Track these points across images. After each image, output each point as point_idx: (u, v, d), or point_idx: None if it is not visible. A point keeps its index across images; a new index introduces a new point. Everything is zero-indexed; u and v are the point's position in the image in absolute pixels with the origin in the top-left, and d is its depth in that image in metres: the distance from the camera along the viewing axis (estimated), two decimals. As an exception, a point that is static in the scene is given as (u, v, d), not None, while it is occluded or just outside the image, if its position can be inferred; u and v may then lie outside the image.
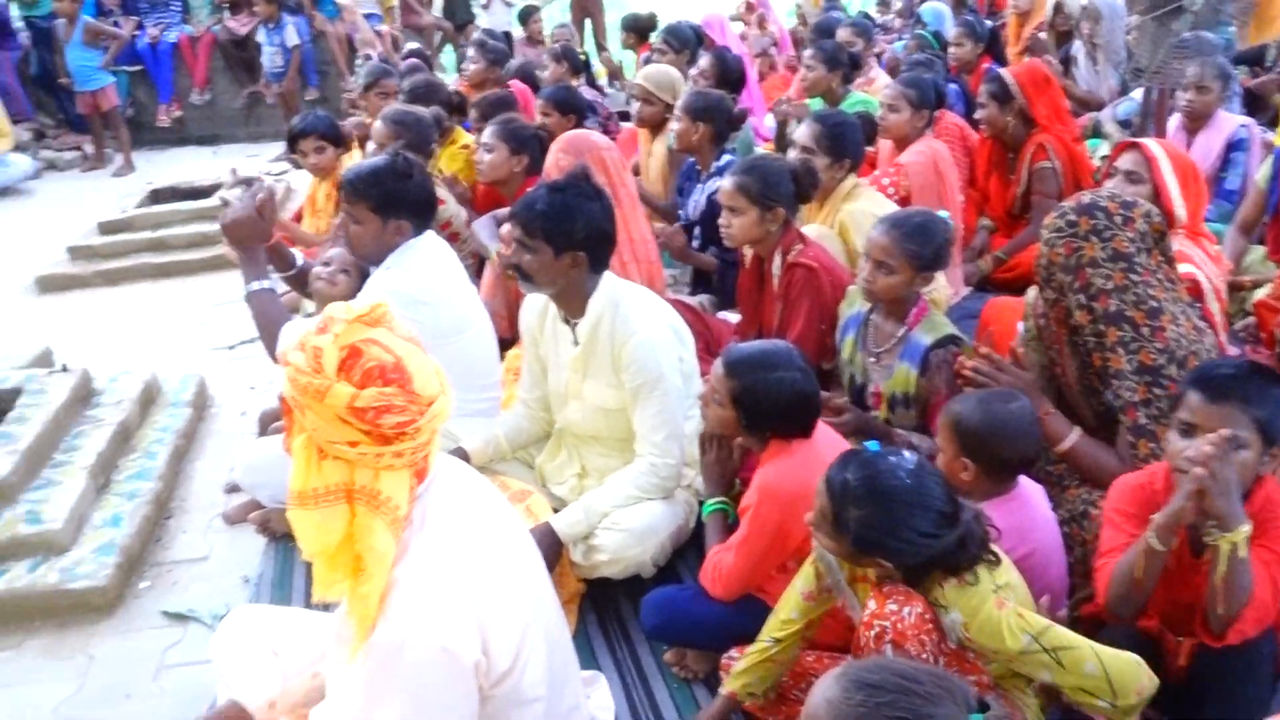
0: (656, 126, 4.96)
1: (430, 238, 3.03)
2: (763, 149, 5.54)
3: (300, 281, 3.36)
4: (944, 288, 3.85)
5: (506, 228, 3.55)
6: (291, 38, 8.80)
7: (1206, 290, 2.69)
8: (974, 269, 4.48)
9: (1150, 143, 3.10)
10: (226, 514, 3.40)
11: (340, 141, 4.73)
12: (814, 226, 3.60)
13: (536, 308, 2.88)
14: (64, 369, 3.92)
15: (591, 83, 7.11)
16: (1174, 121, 4.55)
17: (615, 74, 7.74)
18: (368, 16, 9.59)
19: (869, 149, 4.45)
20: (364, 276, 3.21)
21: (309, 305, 3.80)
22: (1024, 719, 1.90)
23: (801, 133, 3.73)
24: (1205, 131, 4.42)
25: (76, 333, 5.17)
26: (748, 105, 5.74)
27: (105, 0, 9.40)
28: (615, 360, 2.66)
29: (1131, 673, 1.72)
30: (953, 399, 2.38)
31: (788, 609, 2.08)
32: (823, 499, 1.85)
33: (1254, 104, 5.37)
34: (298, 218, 4.93)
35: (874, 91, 5.54)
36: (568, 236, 2.58)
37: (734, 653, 2.27)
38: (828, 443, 2.31)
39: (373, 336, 1.57)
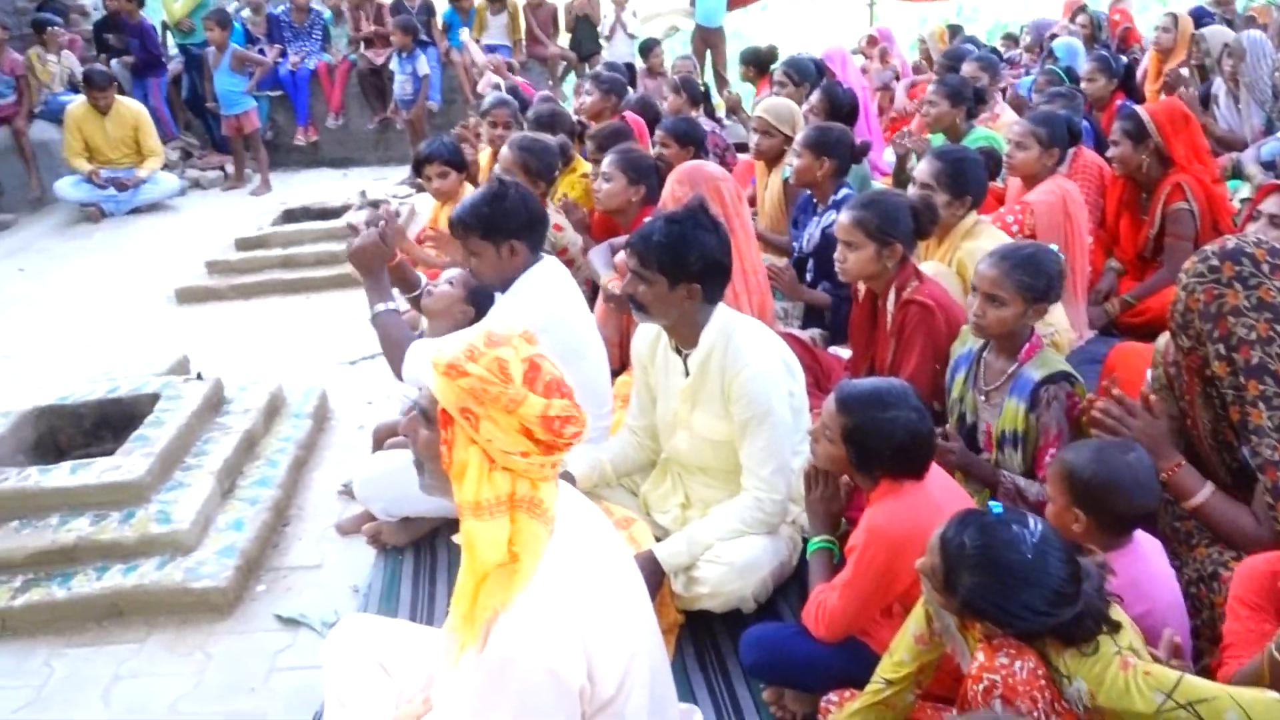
0: (774, 159, 4.97)
1: (551, 264, 3.10)
2: (880, 183, 5.48)
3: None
4: (1066, 330, 3.74)
5: (621, 256, 3.60)
6: (422, 67, 9.15)
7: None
8: (1100, 313, 4.33)
9: (1298, 186, 2.96)
10: (340, 524, 3.51)
11: (463, 167, 4.88)
12: (931, 264, 3.54)
13: (649, 337, 2.90)
14: (199, 377, 4.12)
15: (710, 114, 7.15)
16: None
17: (734, 106, 7.77)
18: (496, 48, 9.88)
19: (992, 185, 4.35)
20: (473, 293, 3.31)
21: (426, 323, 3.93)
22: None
23: (922, 168, 3.68)
24: (1359, 176, 4.18)
25: (211, 343, 5.42)
26: (866, 139, 5.69)
27: (252, 29, 9.94)
28: (725, 392, 2.66)
29: (1276, 713, 1.61)
30: (1066, 447, 2.30)
31: (900, 651, 2.03)
32: (935, 555, 1.80)
33: None
34: (421, 240, 5.09)
35: (999, 127, 5.43)
36: (683, 268, 2.59)
37: (833, 696, 2.23)
38: (940, 486, 2.26)
39: (541, 352, 1.67)
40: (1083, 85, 6.13)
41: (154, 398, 3.89)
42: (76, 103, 8.47)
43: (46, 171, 8.78)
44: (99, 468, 3.40)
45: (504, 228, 2.97)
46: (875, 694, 2.04)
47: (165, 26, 10.34)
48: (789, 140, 4.73)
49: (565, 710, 1.61)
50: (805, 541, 2.67)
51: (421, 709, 1.96)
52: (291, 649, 2.92)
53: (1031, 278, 2.63)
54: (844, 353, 3.75)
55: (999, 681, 1.70)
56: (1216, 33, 6.56)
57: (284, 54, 10.02)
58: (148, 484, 3.37)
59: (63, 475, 3.37)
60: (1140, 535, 2.16)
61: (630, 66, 8.22)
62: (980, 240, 3.53)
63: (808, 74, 6.19)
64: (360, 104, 10.18)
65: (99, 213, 8.36)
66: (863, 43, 9.04)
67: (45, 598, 3.05)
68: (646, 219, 2.82)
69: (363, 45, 10.05)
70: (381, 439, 3.72)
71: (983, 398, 2.79)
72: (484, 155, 5.70)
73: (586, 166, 5.16)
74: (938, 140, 5.14)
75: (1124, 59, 6.97)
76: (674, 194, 3.65)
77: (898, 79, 8.05)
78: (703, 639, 2.71)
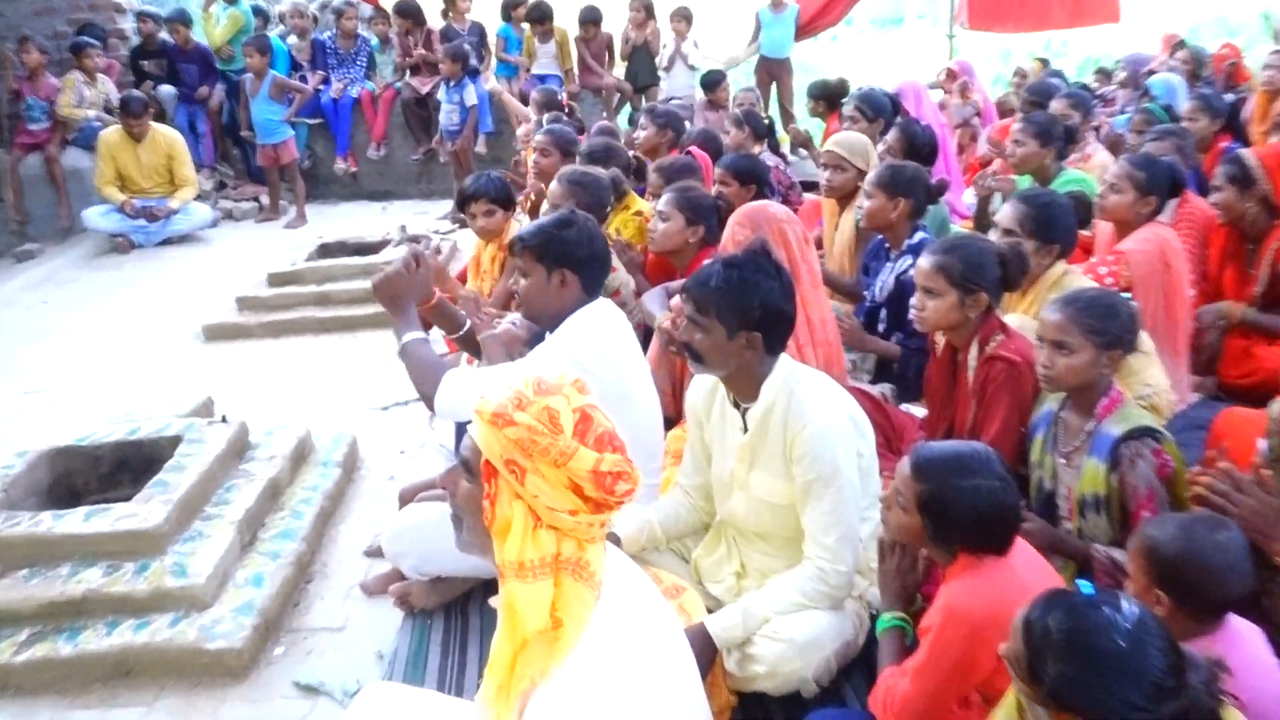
0: (846, 197, 4.95)
1: (605, 305, 3.11)
2: (959, 227, 5.44)
3: (468, 343, 3.47)
4: (1166, 391, 3.64)
5: (677, 301, 3.59)
6: (470, 97, 9.31)
7: None
8: (1205, 381, 4.23)
9: None
10: (365, 584, 3.50)
11: (510, 205, 4.93)
12: (1015, 316, 3.49)
13: (705, 389, 2.89)
14: (224, 420, 4.17)
15: (775, 150, 7.18)
16: None
17: (802, 142, 7.79)
18: (545, 78, 10.04)
19: (1082, 233, 4.29)
20: (537, 340, 3.33)
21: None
22: None
23: (1005, 213, 3.65)
24: None
25: (238, 383, 5.51)
26: (944, 178, 5.66)
27: (297, 55, 10.23)
28: (787, 451, 2.63)
29: None
30: (1148, 522, 2.23)
31: (986, 744, 1.97)
32: (1018, 640, 1.75)
33: None
34: (462, 278, 5.14)
35: (1090, 169, 5.37)
36: (743, 316, 2.59)
37: (903, 793, 2.16)
38: (1025, 562, 2.20)
39: (593, 403, 1.68)
40: (1184, 125, 6.05)
41: (175, 441, 3.95)
42: (111, 129, 8.76)
43: (77, 200, 9.05)
44: (114, 514, 3.44)
45: (561, 254, 2.99)
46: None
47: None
48: (862, 176, 4.73)
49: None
50: (874, 619, 2.62)
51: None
52: (309, 719, 2.90)
53: (1099, 320, 2.64)
54: (917, 410, 3.70)
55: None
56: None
57: (326, 81, 10.27)
58: (165, 533, 3.40)
59: (76, 521, 3.42)
60: (1235, 620, 2.08)
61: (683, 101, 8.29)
62: (1069, 292, 3.48)
63: (881, 109, 6.20)
64: (403, 134, 10.38)
65: (128, 244, 8.60)
66: (941, 76, 9.03)
67: (50, 654, 3.08)
68: (705, 262, 2.82)
69: (409, 73, 10.28)
70: (406, 501, 3.68)
71: (1062, 460, 2.77)
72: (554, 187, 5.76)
73: (641, 204, 5.19)
74: (1024, 183, 5.10)
75: (1229, 97, 6.87)
76: (734, 236, 3.66)
77: (979, 115, 8.03)
78: (757, 724, 2.65)
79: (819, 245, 5.09)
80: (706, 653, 2.54)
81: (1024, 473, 2.95)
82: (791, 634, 2.55)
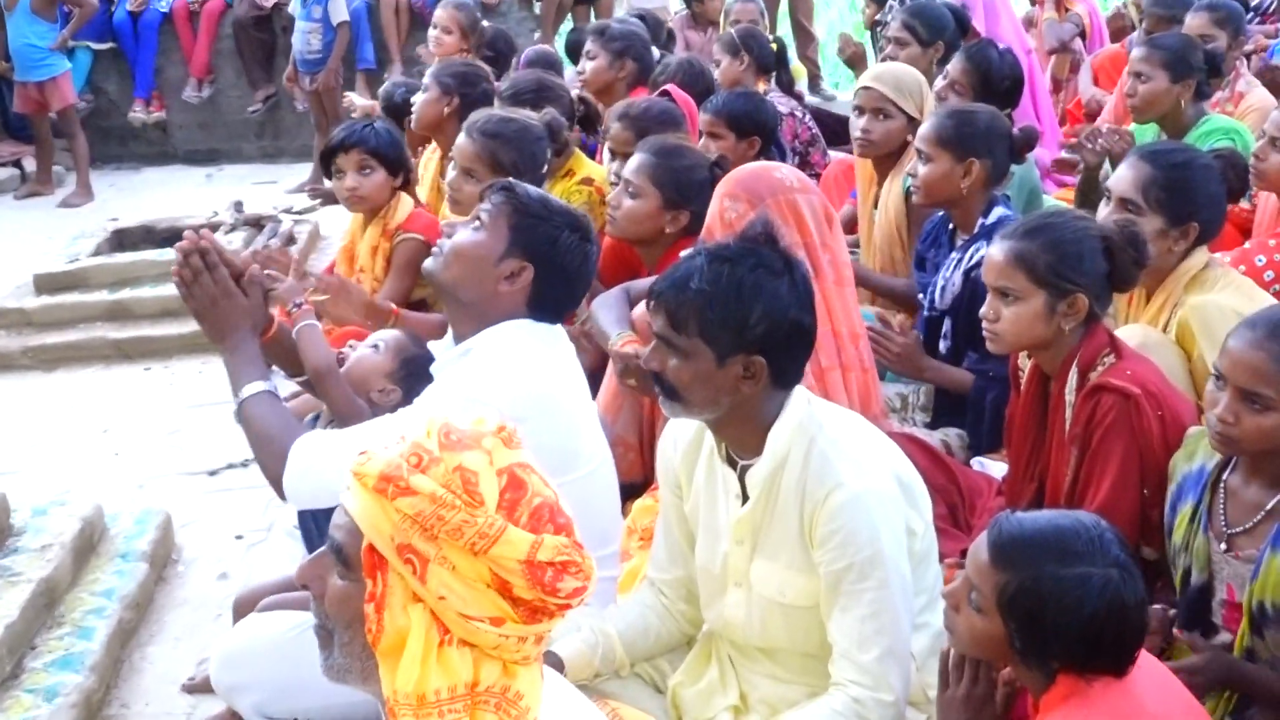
0: (890, 157, 4.99)
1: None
2: (1056, 199, 5.50)
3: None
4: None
5: (642, 312, 3.63)
6: (339, 11, 9.23)
7: None
8: None
9: None
10: (187, 733, 3.50)
11: (399, 167, 4.95)
12: (1136, 328, 3.55)
13: (685, 439, 2.91)
14: (-30, 493, 4.16)
15: (788, 88, 7.23)
16: None
17: (857, 58, 7.59)
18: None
19: (1233, 207, 4.36)
20: (406, 364, 3.36)
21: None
22: None
23: (1120, 177, 3.70)
24: None
25: (-8, 437, 5.48)
26: (1033, 125, 5.75)
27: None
28: (806, 528, 2.66)
29: None
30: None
31: None
32: None
33: None
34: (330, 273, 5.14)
35: (1244, 114, 5.46)
36: (739, 333, 2.60)
37: None
38: (1152, 687, 2.24)
39: (525, 460, 1.69)
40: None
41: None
42: None
43: None
44: None
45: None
46: None
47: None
48: (914, 126, 4.76)
49: None
50: (934, 772, 2.65)
51: None
52: None
53: None
54: (995, 467, 3.74)
55: None
56: None
57: (121, -14, 10.23)
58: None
59: None
60: None
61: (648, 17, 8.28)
62: (1216, 293, 3.54)
63: (941, 27, 6.24)
64: (237, 67, 10.36)
65: None
66: (1029, -20, 9.15)
67: None
68: (683, 253, 2.85)
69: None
70: (246, 611, 3.65)
71: (1221, 545, 2.77)
72: (429, 156, 5.80)
73: (590, 167, 5.23)
74: (1146, 135, 5.16)
75: None
76: (724, 214, 3.68)
77: (1083, 36, 8.12)
78: None
79: (851, 229, 5.14)
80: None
81: (1149, 555, 3.00)
82: (819, 798, 2.58)
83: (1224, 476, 2.82)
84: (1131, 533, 2.92)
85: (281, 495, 3.00)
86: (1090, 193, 4.97)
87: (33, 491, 4.45)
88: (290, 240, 6.65)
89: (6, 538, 4.09)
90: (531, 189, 3.20)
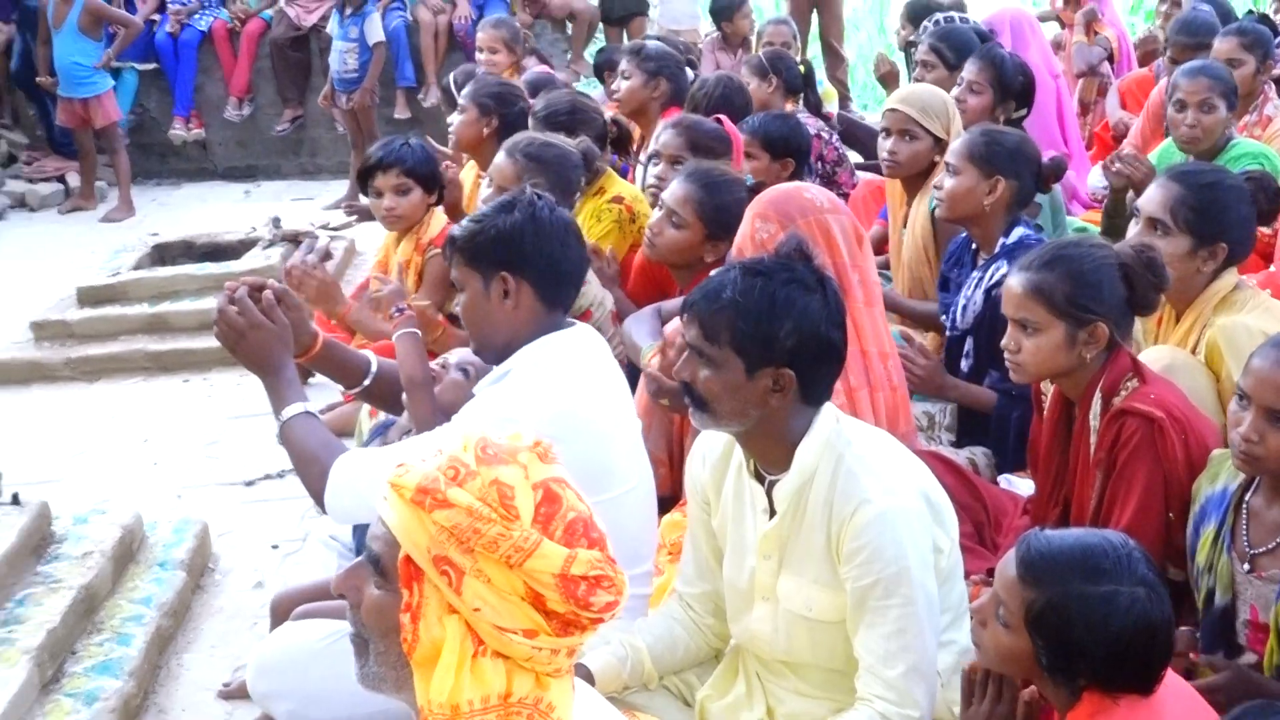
0: (918, 178, 5.00)
1: (580, 334, 3.16)
2: (1082, 221, 5.48)
3: (378, 396, 3.52)
4: None
5: (672, 327, 3.63)
6: (375, 31, 9.24)
7: None
8: None
9: None
10: (223, 738, 3.51)
11: (434, 184, 4.97)
12: (1163, 349, 3.54)
13: (714, 453, 2.91)
14: (15, 500, 4.17)
15: (815, 109, 7.24)
16: None
17: (890, 77, 7.60)
18: (485, 3, 10.06)
19: (1262, 230, 4.34)
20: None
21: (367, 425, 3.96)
22: None
23: (1151, 196, 3.69)
24: None
25: (34, 448, 5.50)
26: (1061, 151, 5.74)
27: (123, -28, 10.20)
28: (833, 544, 2.66)
29: None
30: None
31: None
32: None
33: None
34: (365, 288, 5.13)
35: (1271, 138, 5.44)
36: (769, 346, 2.61)
37: None
38: (1180, 707, 2.24)
39: (561, 475, 1.70)
40: None
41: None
42: None
43: None
44: None
45: (501, 252, 3.05)
46: None
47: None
48: (941, 147, 4.77)
49: None
50: (959, 787, 2.64)
51: None
52: None
53: None
54: (1024, 485, 3.73)
55: None
56: None
57: (162, 8, 10.26)
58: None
59: None
60: None
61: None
62: (1244, 315, 3.52)
63: (967, 51, 6.23)
64: (274, 87, 10.39)
65: None
66: (1057, 4, 9.14)
67: None
68: (714, 272, 2.86)
69: (284, -1, 10.28)
70: (283, 615, 3.68)
71: (1245, 566, 2.76)
72: (468, 174, 5.82)
73: (622, 186, 5.24)
74: (1167, 159, 5.14)
75: None
76: (756, 233, 3.68)
77: (1111, 62, 8.10)
78: None
79: (879, 247, 5.14)
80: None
81: (1175, 576, 2.98)
82: (843, 811, 2.58)
83: (1246, 498, 2.81)
84: (1156, 556, 2.89)
85: (321, 507, 3.03)
86: (1116, 216, 4.96)
87: (74, 500, 4.47)
88: (327, 256, 6.66)
89: (48, 545, 4.12)
90: (468, 225, 3.16)
